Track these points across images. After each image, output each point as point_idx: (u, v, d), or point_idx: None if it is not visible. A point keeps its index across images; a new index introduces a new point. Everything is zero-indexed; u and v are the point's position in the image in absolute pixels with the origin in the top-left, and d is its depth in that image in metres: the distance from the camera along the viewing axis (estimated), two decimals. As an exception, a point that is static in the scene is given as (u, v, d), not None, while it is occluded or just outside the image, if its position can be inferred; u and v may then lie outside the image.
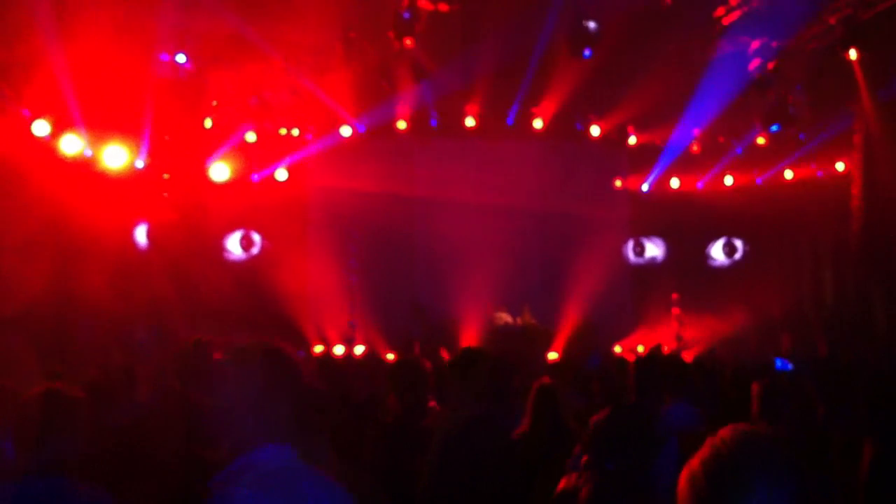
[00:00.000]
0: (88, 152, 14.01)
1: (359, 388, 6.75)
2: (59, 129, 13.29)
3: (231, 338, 3.68)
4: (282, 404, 2.06)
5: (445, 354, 10.31)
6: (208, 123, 13.73)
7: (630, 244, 17.31)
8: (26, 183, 12.92)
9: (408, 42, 11.61)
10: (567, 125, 15.20)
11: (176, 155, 13.53)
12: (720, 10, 11.24)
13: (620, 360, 8.40)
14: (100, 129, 13.83)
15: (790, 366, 7.09)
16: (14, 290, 12.30)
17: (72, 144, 12.86)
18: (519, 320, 14.19)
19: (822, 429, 4.60)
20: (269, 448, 1.98)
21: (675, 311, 16.08)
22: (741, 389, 5.25)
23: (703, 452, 1.49)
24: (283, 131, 14.63)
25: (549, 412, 5.13)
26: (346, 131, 14.57)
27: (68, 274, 13.15)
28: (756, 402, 4.13)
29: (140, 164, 14.24)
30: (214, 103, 13.84)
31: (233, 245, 15.96)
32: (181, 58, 12.38)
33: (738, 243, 17.40)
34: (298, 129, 14.92)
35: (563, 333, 14.04)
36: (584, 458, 4.20)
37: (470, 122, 14.44)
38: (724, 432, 1.50)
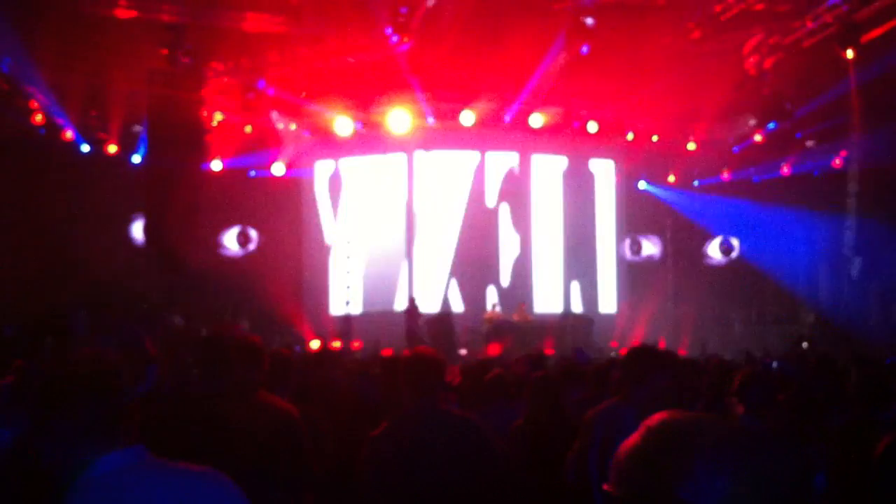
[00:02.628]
0: (87, 147, 14.03)
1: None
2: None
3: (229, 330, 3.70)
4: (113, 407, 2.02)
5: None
6: (205, 118, 13.69)
7: (627, 242, 17.32)
8: (26, 177, 12.94)
9: (405, 38, 11.62)
10: (564, 121, 15.18)
11: (173, 149, 13.51)
12: (718, 7, 11.25)
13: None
14: (99, 123, 13.87)
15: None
16: (12, 281, 12.31)
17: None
18: (515, 316, 14.19)
19: (815, 420, 4.63)
20: (117, 453, 1.95)
21: (673, 307, 16.13)
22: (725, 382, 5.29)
23: (636, 436, 1.45)
24: (281, 126, 14.59)
25: (546, 404, 5.13)
26: (343, 126, 14.54)
27: (65, 265, 13.16)
28: (739, 393, 4.16)
29: (137, 157, 14.25)
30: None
31: (229, 240, 15.97)
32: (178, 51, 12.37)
33: (735, 242, 17.41)
34: (296, 123, 14.90)
35: (558, 329, 14.02)
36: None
37: (467, 117, 14.40)
38: (659, 416, 1.46)
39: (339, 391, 6.11)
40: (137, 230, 14.66)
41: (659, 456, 1.37)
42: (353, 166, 15.92)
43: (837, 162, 15.23)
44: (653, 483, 1.37)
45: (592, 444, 4.23)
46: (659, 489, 1.35)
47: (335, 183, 15.99)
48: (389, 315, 14.75)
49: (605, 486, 1.44)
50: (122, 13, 11.55)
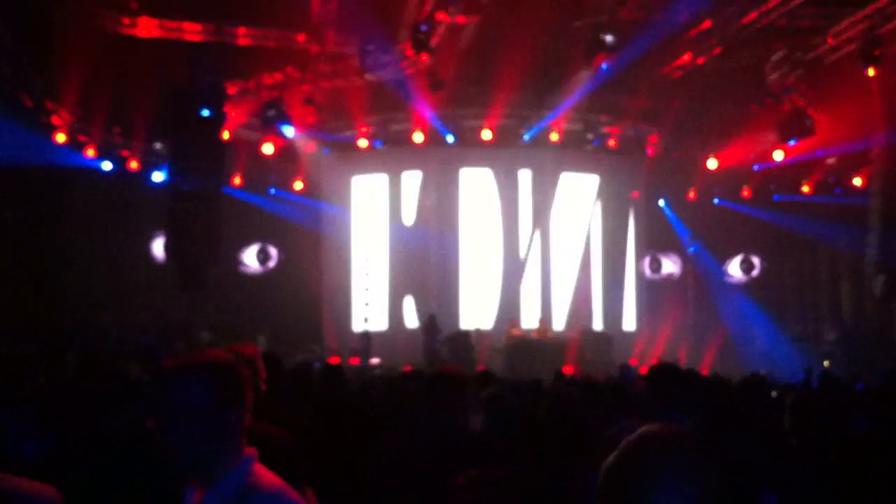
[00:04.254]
0: (109, 165, 14.14)
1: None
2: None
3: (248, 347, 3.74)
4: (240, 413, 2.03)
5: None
6: (226, 135, 13.77)
7: (647, 260, 17.21)
8: (49, 194, 13.06)
9: (425, 55, 11.65)
10: (583, 138, 15.14)
11: (195, 166, 13.61)
12: (739, 23, 11.20)
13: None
14: (121, 141, 14.00)
15: None
16: (33, 297, 12.39)
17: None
18: (535, 333, 14.12)
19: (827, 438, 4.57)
20: (246, 459, 1.95)
21: (693, 325, 16.02)
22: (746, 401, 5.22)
23: (615, 452, 1.47)
24: (301, 143, 14.66)
25: (500, 419, 5.06)
26: (362, 143, 14.61)
27: (86, 282, 13.25)
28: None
29: (159, 175, 14.35)
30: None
31: (249, 258, 16.03)
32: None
33: (756, 260, 17.28)
34: (316, 141, 14.97)
35: (579, 347, 13.91)
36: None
37: (486, 134, 14.40)
38: (640, 430, 1.49)
39: (348, 405, 6.10)
40: (158, 247, 14.73)
41: (629, 469, 1.40)
42: (372, 183, 15.94)
43: (858, 181, 15.10)
44: (625, 496, 1.39)
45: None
46: (631, 501, 1.38)
47: (355, 200, 16.02)
48: (409, 332, 14.73)
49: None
50: (145, 32, 11.68)
